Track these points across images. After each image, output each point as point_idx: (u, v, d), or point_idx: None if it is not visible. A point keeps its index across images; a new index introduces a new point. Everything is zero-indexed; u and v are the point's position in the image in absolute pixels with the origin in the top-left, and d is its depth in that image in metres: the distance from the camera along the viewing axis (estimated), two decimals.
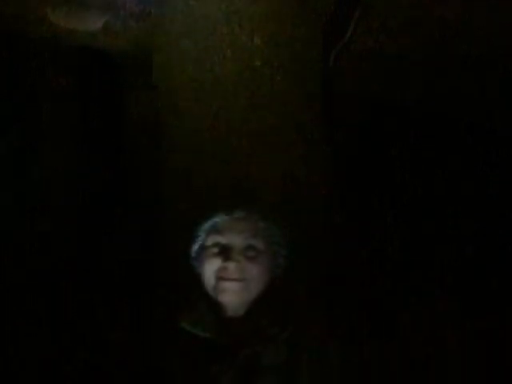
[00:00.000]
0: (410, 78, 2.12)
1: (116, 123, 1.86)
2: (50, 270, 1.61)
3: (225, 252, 1.34)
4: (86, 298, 1.68)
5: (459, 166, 1.96)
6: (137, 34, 1.97)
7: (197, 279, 1.41)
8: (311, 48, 2.12)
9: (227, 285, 1.33)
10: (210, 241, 1.38)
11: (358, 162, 2.02)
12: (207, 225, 1.39)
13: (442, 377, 1.65)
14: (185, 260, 1.44)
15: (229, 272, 1.33)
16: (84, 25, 1.69)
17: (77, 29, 1.69)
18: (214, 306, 1.37)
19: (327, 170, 1.95)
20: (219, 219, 1.37)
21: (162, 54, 2.00)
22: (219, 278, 1.33)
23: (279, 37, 2.04)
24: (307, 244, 1.66)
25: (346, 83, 2.19)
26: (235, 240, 1.35)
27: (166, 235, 1.73)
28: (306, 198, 1.85)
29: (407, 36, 2.16)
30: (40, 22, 1.64)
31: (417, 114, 2.06)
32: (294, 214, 1.73)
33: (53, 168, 1.68)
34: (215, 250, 1.36)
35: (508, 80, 2.05)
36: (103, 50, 1.86)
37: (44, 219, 1.61)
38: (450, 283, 1.80)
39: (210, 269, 1.35)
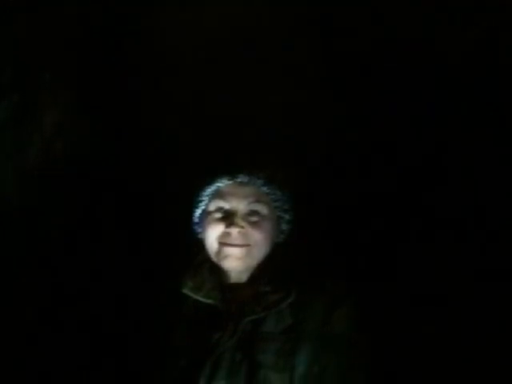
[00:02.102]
0: (409, 15, 1.98)
1: (116, 69, 1.80)
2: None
3: (228, 217, 1.32)
4: (85, 266, 1.67)
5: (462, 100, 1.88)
6: None
7: (199, 244, 1.39)
8: None
9: (230, 250, 1.31)
10: (212, 206, 1.35)
11: (359, 103, 1.95)
12: (210, 189, 1.36)
13: (443, 318, 1.67)
14: (187, 225, 1.43)
15: (232, 237, 1.31)
16: None
17: None
18: (217, 271, 1.37)
19: (328, 112, 1.91)
20: (222, 184, 1.34)
21: None
22: (222, 244, 1.32)
23: None
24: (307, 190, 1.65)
25: (344, 21, 2.05)
26: (238, 205, 1.32)
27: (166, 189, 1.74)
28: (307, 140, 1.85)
29: None
30: None
31: (418, 52, 1.94)
32: (295, 158, 1.72)
33: (54, 115, 1.63)
34: (218, 215, 1.34)
35: None
36: None
37: (45, 169, 1.58)
38: (452, 224, 1.78)
39: (213, 234, 1.33)
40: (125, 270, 1.67)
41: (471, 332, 1.62)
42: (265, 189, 1.34)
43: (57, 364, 1.62)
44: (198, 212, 1.40)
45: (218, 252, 1.33)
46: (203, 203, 1.38)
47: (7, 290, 1.50)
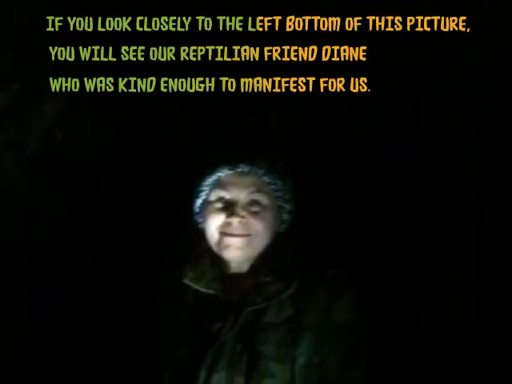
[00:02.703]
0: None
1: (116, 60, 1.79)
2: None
3: (229, 207, 1.30)
4: (86, 256, 1.66)
5: None
6: None
7: (200, 234, 1.38)
8: None
9: (231, 240, 1.29)
10: (213, 196, 1.34)
11: (361, 99, 1.94)
12: (211, 179, 1.34)
13: (443, 309, 1.66)
14: (187, 214, 1.42)
15: (233, 227, 1.29)
16: None
17: None
18: (218, 261, 1.36)
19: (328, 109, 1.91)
20: (223, 174, 1.33)
21: None
22: (223, 234, 1.30)
23: None
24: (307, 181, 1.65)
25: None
26: (239, 195, 1.31)
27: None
28: None
29: None
30: None
31: (418, 52, 1.92)
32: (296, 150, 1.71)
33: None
34: (219, 205, 1.33)
35: None
36: None
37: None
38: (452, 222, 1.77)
39: (214, 224, 1.31)
40: (125, 260, 1.66)
41: (469, 321, 1.62)
42: (266, 178, 1.33)
43: (56, 362, 1.60)
44: (198, 202, 1.39)
45: (219, 242, 1.31)
46: (204, 193, 1.37)
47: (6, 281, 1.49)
